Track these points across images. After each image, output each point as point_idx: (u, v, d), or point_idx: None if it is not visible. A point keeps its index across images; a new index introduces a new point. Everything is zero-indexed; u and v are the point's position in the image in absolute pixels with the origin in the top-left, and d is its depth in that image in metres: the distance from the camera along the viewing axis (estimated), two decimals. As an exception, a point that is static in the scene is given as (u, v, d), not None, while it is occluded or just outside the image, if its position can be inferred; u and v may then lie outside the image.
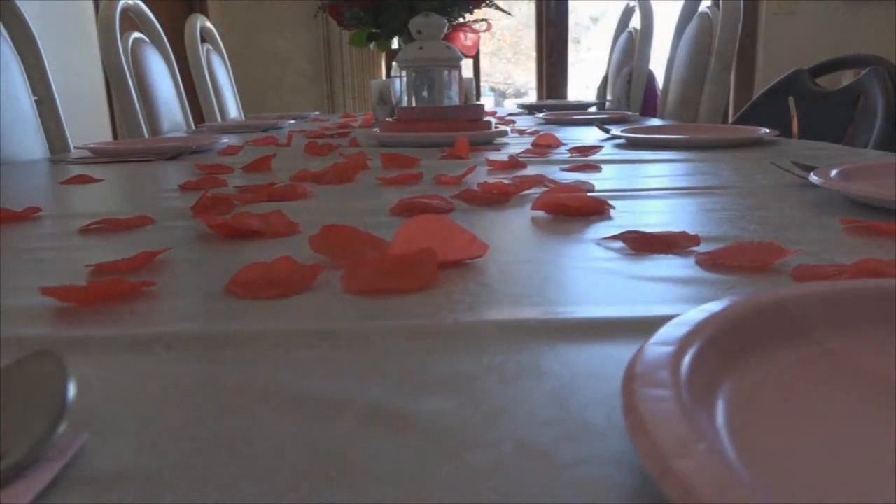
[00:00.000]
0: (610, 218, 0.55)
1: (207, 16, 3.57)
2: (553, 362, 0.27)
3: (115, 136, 2.74)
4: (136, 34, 1.87)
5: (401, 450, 0.21)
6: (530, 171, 0.84)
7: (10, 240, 0.54)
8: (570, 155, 0.99)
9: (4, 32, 1.28)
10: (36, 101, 1.33)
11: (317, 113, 2.50)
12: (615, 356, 0.27)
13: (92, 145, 1.21)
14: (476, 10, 1.54)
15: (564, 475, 0.19)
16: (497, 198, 0.63)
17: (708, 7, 1.70)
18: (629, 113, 1.75)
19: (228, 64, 2.60)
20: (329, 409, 0.24)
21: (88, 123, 2.04)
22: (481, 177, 0.79)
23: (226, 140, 1.27)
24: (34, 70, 1.33)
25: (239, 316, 0.34)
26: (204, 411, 0.24)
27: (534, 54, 4.01)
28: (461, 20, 1.56)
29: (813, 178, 0.60)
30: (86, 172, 0.91)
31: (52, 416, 0.21)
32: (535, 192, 0.66)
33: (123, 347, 0.30)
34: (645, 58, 2.09)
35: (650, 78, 2.14)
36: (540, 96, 3.82)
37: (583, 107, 2.26)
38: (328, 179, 0.79)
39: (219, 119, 2.35)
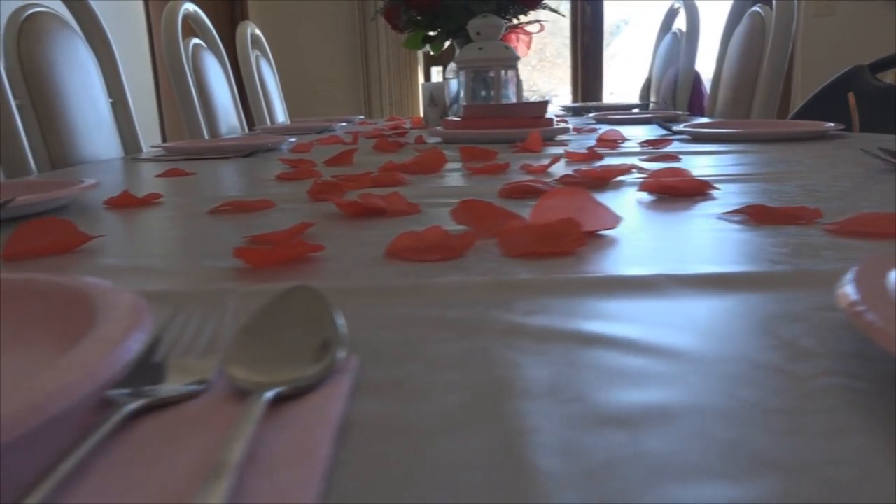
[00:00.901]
0: (714, 199, 0.57)
1: (244, 10, 3.64)
2: (739, 304, 0.30)
3: (164, 139, 2.81)
4: (196, 40, 1.92)
5: (617, 359, 0.23)
6: (608, 162, 0.86)
7: (148, 220, 0.58)
8: (640, 148, 1.00)
9: (82, 34, 1.34)
10: (111, 103, 1.38)
11: (361, 117, 2.54)
12: (790, 300, 0.30)
13: (166, 145, 1.25)
14: (530, 12, 1.57)
15: (810, 384, 0.22)
16: (596, 182, 0.65)
17: (759, 7, 1.70)
18: (679, 112, 1.76)
19: (275, 69, 2.65)
20: (551, 335, 0.26)
21: (138, 125, 2.09)
22: (563, 168, 0.81)
23: (294, 139, 1.31)
24: (109, 72, 1.38)
25: (417, 273, 0.37)
26: (418, 336, 0.27)
27: (559, 61, 4.03)
28: (515, 22, 1.59)
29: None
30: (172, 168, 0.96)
31: (334, 339, 0.24)
32: (629, 178, 0.69)
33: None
34: (691, 58, 2.10)
35: (696, 78, 2.15)
36: (575, 101, 3.83)
37: (626, 108, 2.28)
38: (416, 170, 0.82)
39: (268, 123, 2.40)
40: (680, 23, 2.29)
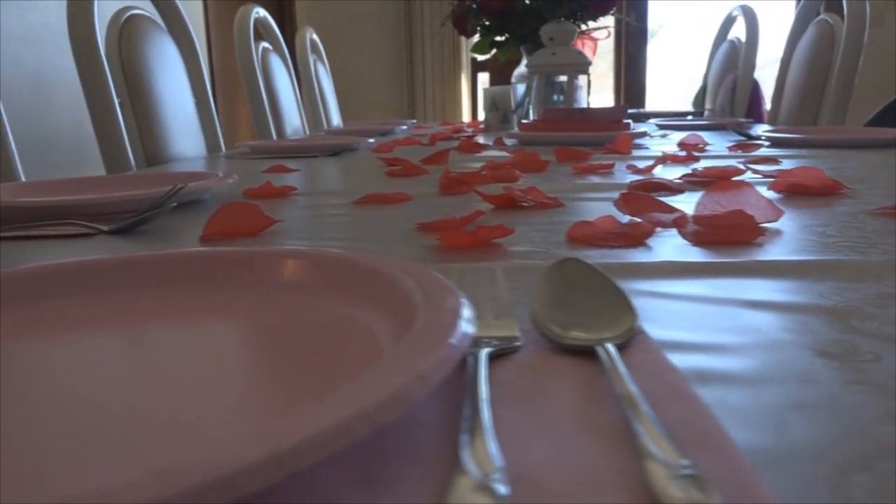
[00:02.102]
0: (848, 197, 0.58)
1: (295, 25, 3.71)
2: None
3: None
4: (264, 43, 1.97)
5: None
6: (705, 163, 0.88)
7: (297, 210, 0.60)
8: (731, 153, 1.02)
9: (170, 35, 1.38)
10: (195, 104, 1.42)
11: (413, 121, 2.58)
12: None
13: (251, 143, 1.29)
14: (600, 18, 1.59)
15: None
16: (718, 182, 0.67)
17: (826, 15, 1.71)
18: (742, 120, 1.76)
19: (330, 74, 2.70)
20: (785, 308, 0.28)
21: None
22: (669, 169, 0.83)
23: (372, 140, 1.34)
24: (194, 72, 1.43)
25: (609, 256, 0.39)
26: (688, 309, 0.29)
27: (599, 67, 4.04)
28: (583, 28, 1.61)
29: None
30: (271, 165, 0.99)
31: (623, 303, 0.26)
32: (748, 177, 0.70)
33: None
34: (750, 66, 2.11)
35: (755, 85, 2.15)
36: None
37: (680, 115, 2.28)
38: (523, 168, 0.85)
39: (325, 126, 2.44)
40: (736, 31, 2.29)
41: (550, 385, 0.21)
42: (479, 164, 0.93)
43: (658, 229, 0.45)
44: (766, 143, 1.12)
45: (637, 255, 0.39)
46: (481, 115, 4.04)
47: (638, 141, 1.27)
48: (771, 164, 0.84)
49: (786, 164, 0.84)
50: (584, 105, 1.48)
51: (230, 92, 3.11)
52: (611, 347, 0.23)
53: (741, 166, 0.79)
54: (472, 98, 3.96)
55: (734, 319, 0.28)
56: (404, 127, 2.04)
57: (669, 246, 0.42)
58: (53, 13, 1.91)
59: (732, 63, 2.24)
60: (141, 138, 1.20)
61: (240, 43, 1.78)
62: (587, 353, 0.24)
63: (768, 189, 0.61)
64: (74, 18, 1.09)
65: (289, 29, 3.68)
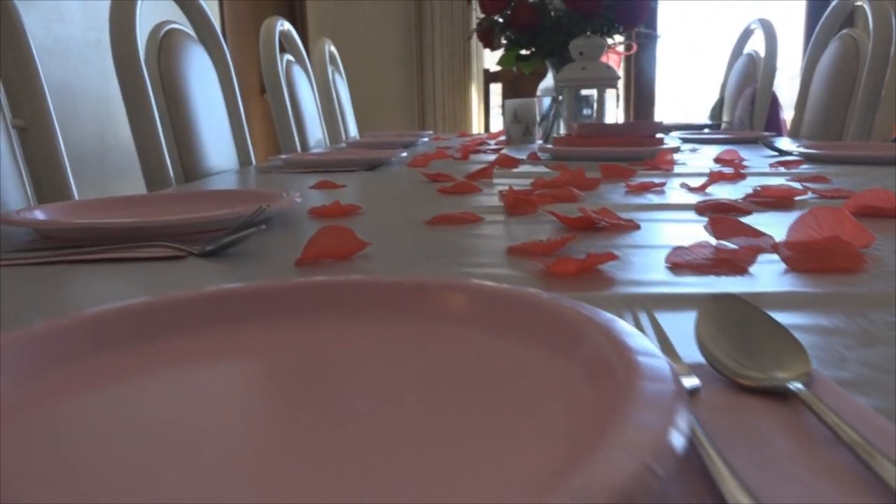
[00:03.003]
0: (921, 219, 0.58)
1: (307, 34, 3.72)
2: None
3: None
4: (288, 56, 1.98)
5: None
6: (752, 181, 0.88)
7: (371, 230, 0.61)
8: (771, 168, 1.02)
9: (206, 49, 1.39)
10: (228, 115, 1.43)
11: (430, 132, 2.59)
12: None
13: (284, 157, 1.29)
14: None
15: None
16: (783, 202, 0.67)
17: (849, 29, 1.72)
18: (765, 133, 1.77)
19: (347, 85, 2.71)
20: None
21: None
22: (718, 188, 0.83)
23: (405, 153, 1.34)
24: (226, 85, 1.43)
25: (716, 284, 0.39)
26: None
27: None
28: (609, 42, 1.62)
29: None
30: (291, 179, 0.99)
31: (790, 341, 0.27)
32: (807, 198, 0.71)
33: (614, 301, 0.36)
34: (770, 78, 2.12)
35: (773, 99, 2.17)
36: (627, 118, 3.85)
37: (699, 128, 2.29)
38: (573, 186, 0.85)
39: (343, 136, 2.45)
40: (752, 44, 2.30)
41: (759, 428, 0.22)
42: (524, 181, 0.94)
43: (759, 248, 0.45)
44: (801, 159, 1.12)
45: (746, 284, 0.40)
46: (493, 126, 4.06)
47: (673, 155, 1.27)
48: (823, 183, 0.84)
49: (837, 182, 0.85)
50: (614, 119, 1.49)
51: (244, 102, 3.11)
52: (802, 388, 0.23)
53: (797, 185, 0.80)
54: (484, 108, 3.97)
55: (879, 355, 0.28)
56: (425, 139, 2.05)
57: (772, 273, 0.42)
58: (78, 24, 1.92)
59: (750, 76, 2.25)
60: (178, 152, 1.20)
61: (266, 56, 1.79)
62: (770, 394, 0.24)
63: (841, 208, 0.62)
64: (117, 35, 1.10)
65: (300, 36, 3.69)
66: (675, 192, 0.80)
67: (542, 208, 0.68)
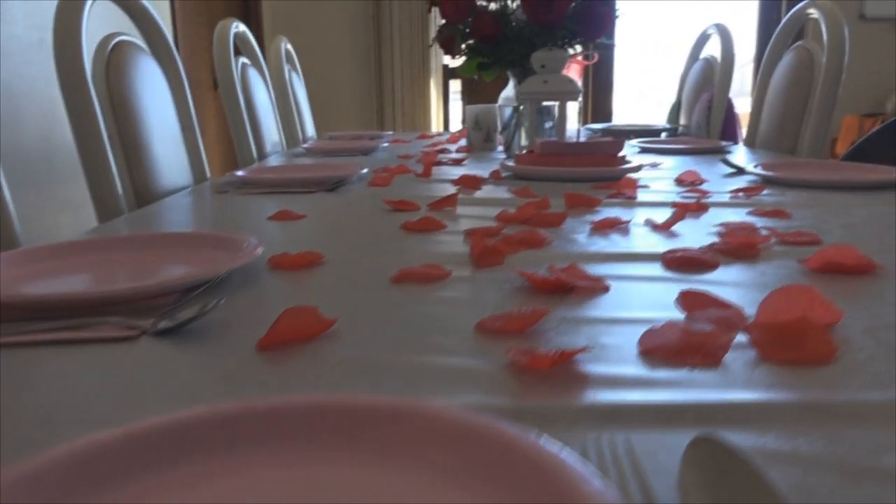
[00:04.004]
0: (883, 277, 0.59)
1: (262, 31, 3.64)
2: None
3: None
4: (243, 59, 1.93)
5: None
6: (715, 214, 0.89)
7: (330, 290, 0.59)
8: (730, 196, 1.03)
9: (157, 61, 1.34)
10: (181, 130, 1.38)
11: (391, 133, 2.55)
12: None
13: (242, 176, 1.25)
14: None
15: None
16: (748, 252, 0.67)
17: (804, 41, 1.74)
18: (722, 143, 1.79)
19: (305, 84, 2.66)
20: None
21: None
22: (693, 229, 0.83)
23: (365, 170, 1.32)
24: (179, 98, 1.38)
25: (690, 385, 0.39)
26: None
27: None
28: (571, 52, 1.61)
29: None
30: (241, 199, 0.97)
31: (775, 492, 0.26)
32: (773, 244, 0.71)
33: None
34: (726, 85, 2.14)
35: (729, 105, 2.19)
36: (586, 120, 3.88)
37: (656, 133, 2.31)
38: (537, 222, 0.84)
39: (301, 138, 2.40)
40: (710, 49, 2.33)
41: None
42: (488, 212, 0.93)
43: (732, 335, 0.44)
44: (759, 184, 1.13)
45: (719, 382, 0.39)
46: (453, 125, 4.04)
47: (634, 175, 1.27)
48: (783, 220, 0.85)
49: (797, 217, 0.86)
50: (573, 133, 1.49)
51: (198, 101, 3.02)
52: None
53: (759, 222, 0.80)
54: (443, 104, 3.95)
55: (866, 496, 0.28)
56: (385, 144, 2.01)
57: (744, 366, 0.41)
58: (21, 24, 1.83)
59: (707, 80, 2.27)
60: (129, 172, 1.15)
61: (220, 59, 1.74)
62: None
63: (803, 265, 0.62)
64: (62, 51, 1.04)
65: (254, 34, 3.60)
66: (640, 232, 0.80)
67: (510, 258, 0.67)
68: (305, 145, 1.97)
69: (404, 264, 0.64)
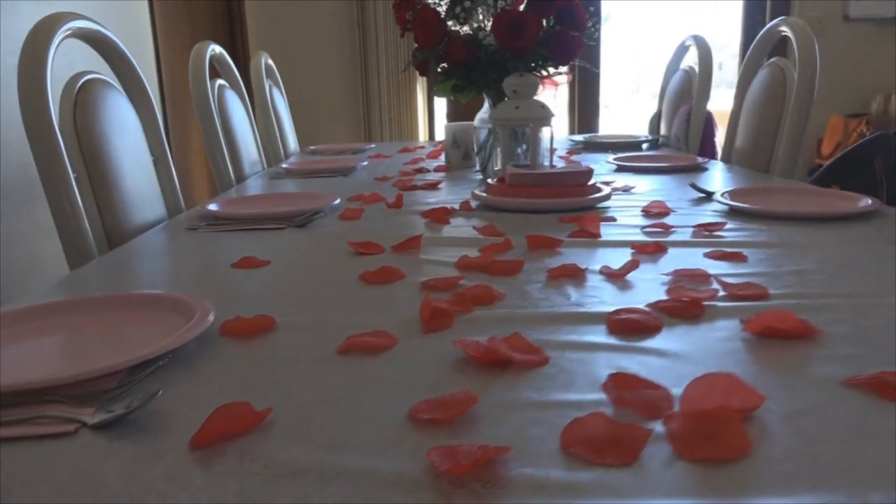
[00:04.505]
0: (821, 344, 0.60)
1: (245, 36, 3.63)
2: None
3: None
4: (220, 81, 1.93)
5: None
6: (673, 257, 0.90)
7: (285, 362, 0.60)
8: (692, 232, 1.04)
9: (126, 95, 1.34)
10: (154, 162, 1.39)
11: (373, 146, 2.56)
12: None
13: (213, 210, 1.26)
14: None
15: None
16: (692, 312, 0.69)
17: (777, 59, 1.75)
18: (700, 160, 1.79)
19: (286, 97, 2.66)
20: None
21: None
22: (643, 275, 0.85)
23: (338, 200, 1.33)
24: (151, 130, 1.39)
25: (604, 490, 0.40)
26: None
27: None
28: (546, 73, 1.62)
29: None
30: (211, 236, 0.97)
31: None
32: (722, 304, 0.72)
33: None
34: (704, 98, 2.15)
35: (708, 118, 2.20)
36: (572, 130, 3.89)
37: (636, 145, 2.31)
38: (496, 270, 0.85)
39: (280, 150, 2.41)
40: (689, 59, 2.34)
41: None
42: (450, 253, 0.94)
43: (650, 429, 0.45)
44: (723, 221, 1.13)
45: (632, 484, 0.40)
46: (439, 135, 4.04)
47: (603, 205, 1.28)
48: (739, 263, 0.86)
49: (752, 261, 0.87)
50: (547, 158, 1.50)
51: (183, 123, 3.02)
52: None
53: (714, 275, 0.81)
54: (428, 112, 3.95)
55: None
56: (364, 163, 2.02)
57: (660, 464, 0.42)
58: (-4, 50, 1.83)
59: (686, 92, 2.28)
60: (99, 212, 1.16)
61: (195, 83, 1.74)
62: None
63: (742, 330, 0.63)
64: (26, 94, 1.05)
65: (240, 40, 3.60)
66: (593, 282, 0.81)
67: (460, 319, 0.69)
68: (285, 164, 1.97)
69: (355, 327, 0.66)
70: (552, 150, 1.52)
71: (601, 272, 0.84)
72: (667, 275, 0.82)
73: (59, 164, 1.06)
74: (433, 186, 1.58)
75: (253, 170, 2.08)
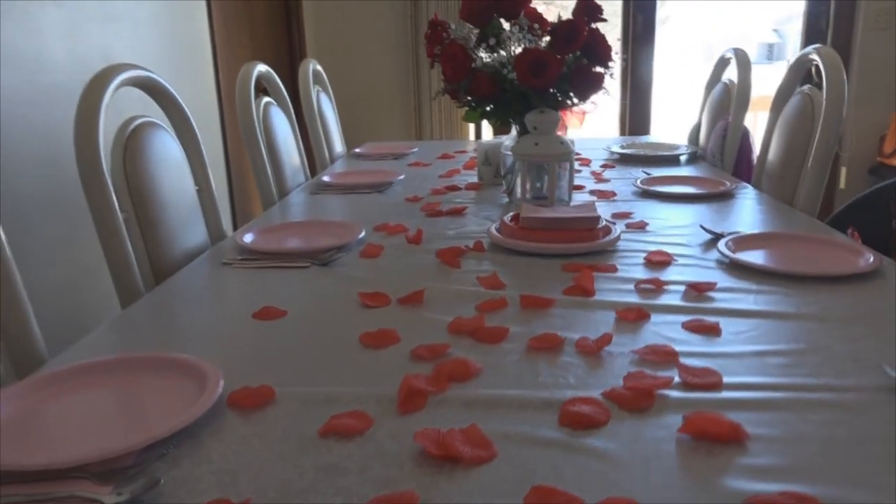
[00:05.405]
0: (749, 451, 0.67)
1: (302, 33, 3.74)
2: None
3: (232, 194, 2.94)
4: (267, 98, 2.04)
5: None
6: (652, 326, 0.96)
7: (273, 444, 0.70)
8: (683, 292, 1.09)
9: (173, 132, 1.47)
10: (197, 191, 1.51)
11: (415, 149, 2.63)
12: None
13: (247, 244, 1.37)
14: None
15: None
16: (643, 401, 0.76)
17: (809, 88, 1.74)
18: (728, 184, 1.80)
19: (334, 101, 2.77)
20: None
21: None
22: (616, 348, 0.91)
23: (362, 233, 1.42)
24: (195, 162, 1.51)
25: None
26: None
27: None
28: (570, 103, 1.66)
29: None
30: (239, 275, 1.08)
31: None
32: (674, 394, 0.79)
33: None
34: (741, 114, 2.15)
35: (745, 134, 2.20)
36: (623, 130, 3.87)
37: (674, 158, 2.31)
38: (482, 336, 0.94)
39: (326, 154, 2.52)
40: (730, 72, 2.32)
41: None
42: (447, 310, 1.02)
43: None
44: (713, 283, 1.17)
45: None
46: (486, 135, 4.10)
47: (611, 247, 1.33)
48: (713, 338, 0.92)
49: (726, 337, 0.93)
50: (566, 193, 1.56)
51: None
52: None
53: (680, 353, 0.88)
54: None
55: None
56: (401, 177, 2.09)
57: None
58: (63, 72, 1.99)
59: (725, 107, 2.28)
60: (146, 248, 1.29)
61: (242, 107, 1.86)
62: None
63: (678, 431, 0.70)
64: (81, 145, 1.18)
65: (297, 37, 3.71)
66: (569, 353, 0.88)
67: (433, 400, 0.78)
68: (326, 177, 2.07)
69: (341, 403, 0.76)
70: (571, 185, 1.57)
71: (577, 345, 0.91)
72: (636, 352, 0.88)
73: (110, 208, 1.20)
74: (458, 213, 1.65)
75: (296, 178, 2.20)
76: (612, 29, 4.18)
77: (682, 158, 2.32)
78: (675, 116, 4.80)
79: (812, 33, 3.86)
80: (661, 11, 4.15)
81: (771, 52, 10.52)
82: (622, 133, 3.90)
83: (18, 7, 1.69)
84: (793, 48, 3.85)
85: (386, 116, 4.00)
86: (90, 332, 1.01)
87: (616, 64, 1.61)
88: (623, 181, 1.97)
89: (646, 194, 1.79)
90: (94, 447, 0.67)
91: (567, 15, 1.58)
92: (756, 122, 4.45)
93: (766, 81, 4.22)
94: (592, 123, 4.04)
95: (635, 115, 3.86)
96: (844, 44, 3.80)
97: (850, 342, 0.90)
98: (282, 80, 2.19)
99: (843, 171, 3.94)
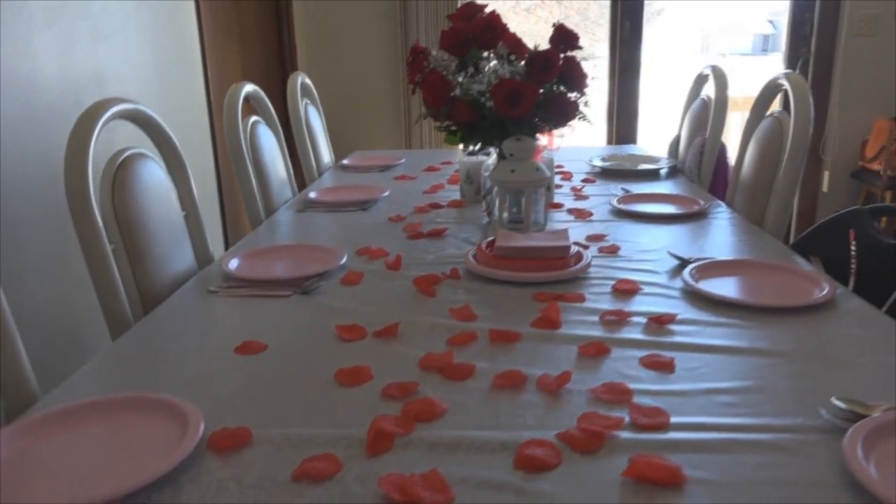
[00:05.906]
0: (685, 496, 0.72)
1: (293, 39, 3.77)
2: None
3: (223, 212, 2.98)
4: (254, 117, 2.09)
5: None
6: (611, 361, 1.02)
7: (246, 487, 0.76)
8: (644, 325, 1.15)
9: (161, 160, 1.51)
10: (184, 216, 1.56)
11: (402, 161, 2.68)
12: None
13: (232, 272, 1.42)
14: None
15: None
16: (593, 444, 0.81)
17: (779, 112, 1.80)
18: (702, 203, 1.86)
19: (322, 112, 2.82)
20: None
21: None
22: (575, 386, 0.97)
23: (344, 259, 1.47)
24: (183, 188, 1.56)
25: None
26: None
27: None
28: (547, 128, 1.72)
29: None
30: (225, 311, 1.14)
31: None
32: (624, 435, 0.84)
33: None
34: (718, 130, 2.20)
35: (722, 149, 2.25)
36: (609, 140, 3.93)
37: (653, 172, 2.36)
38: (449, 374, 0.99)
39: (314, 165, 2.57)
40: (708, 89, 2.37)
41: None
42: (420, 344, 1.08)
43: None
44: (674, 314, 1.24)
45: None
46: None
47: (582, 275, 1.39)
48: (666, 375, 0.98)
49: (679, 373, 0.98)
50: (542, 216, 1.61)
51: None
52: None
53: (634, 390, 0.93)
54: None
55: None
56: (386, 193, 2.14)
57: None
58: (56, 90, 2.03)
59: (703, 122, 2.33)
60: (134, 276, 1.34)
61: (228, 125, 1.91)
62: None
63: (622, 475, 0.76)
64: (70, 178, 1.23)
65: (287, 38, 3.74)
66: (529, 391, 0.94)
67: (400, 441, 0.83)
68: (312, 194, 2.12)
69: (314, 445, 0.82)
70: (546, 208, 1.63)
71: (539, 382, 0.97)
72: (592, 391, 0.94)
73: (98, 240, 1.25)
74: (439, 235, 1.71)
75: (283, 192, 2.25)
76: (601, 38, 4.22)
77: (662, 172, 2.37)
78: (667, 112, 4.83)
79: (796, 39, 3.92)
80: (655, 4, 4.19)
81: (766, 44, 10.57)
82: (609, 141, 3.96)
83: (13, 30, 1.73)
84: (786, 41, 3.91)
85: (377, 123, 4.05)
86: (84, 338, 1.07)
87: (593, 87, 1.67)
88: (601, 198, 2.03)
89: (621, 214, 1.85)
90: (80, 493, 0.72)
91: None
92: (743, 122, 4.50)
93: (760, 76, 4.28)
94: (580, 131, 4.08)
95: (622, 124, 3.91)
96: (828, 49, 3.86)
97: (794, 378, 0.96)
98: (271, 87, 2.25)
99: (826, 175, 4.01)
